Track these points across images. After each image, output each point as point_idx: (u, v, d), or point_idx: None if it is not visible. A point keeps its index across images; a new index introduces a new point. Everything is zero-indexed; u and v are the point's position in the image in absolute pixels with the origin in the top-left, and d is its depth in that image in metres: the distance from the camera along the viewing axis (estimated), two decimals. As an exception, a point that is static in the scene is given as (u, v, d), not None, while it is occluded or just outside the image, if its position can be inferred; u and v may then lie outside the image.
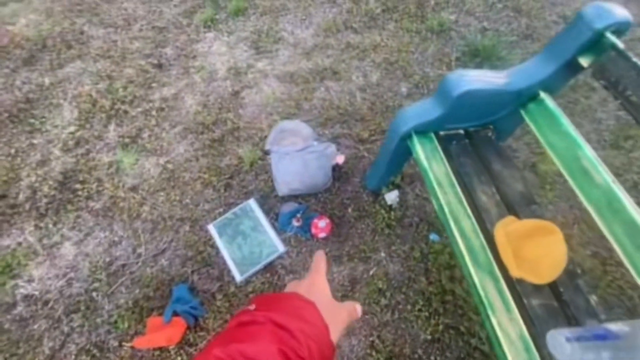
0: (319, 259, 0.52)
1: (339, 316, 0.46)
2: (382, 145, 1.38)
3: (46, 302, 1.30)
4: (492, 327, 0.90)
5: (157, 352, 1.21)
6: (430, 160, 1.17)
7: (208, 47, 2.01)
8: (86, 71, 1.86)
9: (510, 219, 1.07)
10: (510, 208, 1.12)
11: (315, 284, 0.48)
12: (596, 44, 0.98)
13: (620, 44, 0.94)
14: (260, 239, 1.41)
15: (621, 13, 0.95)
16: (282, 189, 1.45)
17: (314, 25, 2.13)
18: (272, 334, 0.37)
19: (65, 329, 1.26)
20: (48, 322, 1.27)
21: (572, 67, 1.06)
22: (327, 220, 1.41)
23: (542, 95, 1.14)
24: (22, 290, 1.31)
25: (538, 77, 1.09)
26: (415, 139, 1.21)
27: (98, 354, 1.21)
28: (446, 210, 1.07)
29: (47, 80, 1.82)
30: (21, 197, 1.50)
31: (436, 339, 1.24)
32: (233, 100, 1.81)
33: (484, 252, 1.01)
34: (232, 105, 1.79)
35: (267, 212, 1.48)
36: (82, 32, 2.01)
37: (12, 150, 1.60)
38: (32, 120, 1.69)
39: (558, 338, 0.85)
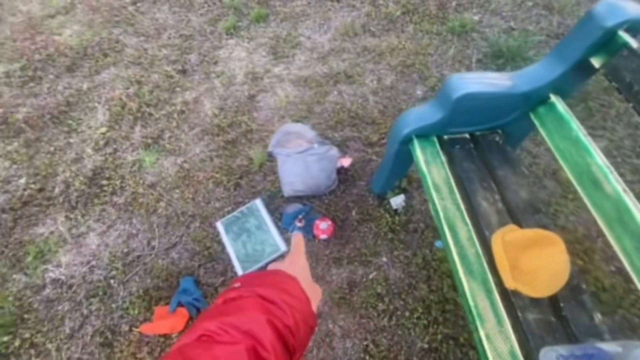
0: (299, 240, 0.56)
1: (317, 291, 0.50)
2: (386, 149, 1.37)
3: (70, 286, 1.43)
4: (480, 339, 0.87)
5: (161, 339, 1.29)
6: (430, 164, 1.14)
7: (229, 53, 2.10)
8: (119, 77, 2.02)
9: (511, 227, 1.02)
10: (513, 216, 1.07)
11: (296, 262, 0.52)
12: (608, 43, 0.91)
13: (633, 43, 0.87)
14: (264, 237, 1.45)
15: (635, 10, 0.88)
16: (287, 190, 1.49)
17: (332, 30, 2.16)
18: (259, 305, 0.39)
19: (85, 311, 1.38)
20: (71, 304, 1.39)
21: (583, 69, 0.99)
22: (329, 222, 1.43)
23: (553, 98, 1.08)
24: (51, 274, 1.46)
25: (546, 79, 1.04)
26: (415, 143, 1.19)
27: (110, 337, 1.31)
28: (441, 215, 1.04)
29: (85, 86, 2.00)
30: (56, 190, 1.67)
31: (433, 349, 1.20)
32: (249, 104, 1.88)
33: (479, 261, 0.97)
34: (248, 108, 1.86)
35: (272, 212, 1.52)
36: (117, 41, 2.18)
37: (52, 148, 1.78)
38: (70, 122, 1.87)
39: (549, 355, 0.80)
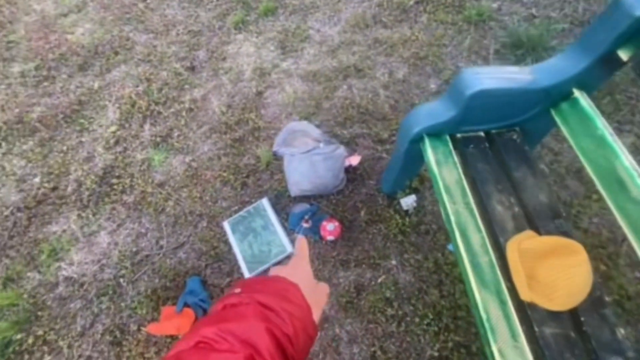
0: (302, 245, 0.55)
1: (320, 297, 0.49)
2: (395, 147, 1.31)
3: (82, 284, 1.45)
4: (492, 354, 0.82)
5: (168, 340, 1.30)
6: (441, 165, 1.08)
7: (237, 48, 2.07)
8: (129, 75, 2.03)
9: (528, 234, 0.96)
10: (531, 221, 1.00)
11: (298, 268, 0.51)
12: (637, 34, 0.83)
13: (669, 33, 0.79)
14: (270, 238, 1.43)
15: (672, -5, 0.79)
16: (294, 190, 1.45)
17: (342, 22, 2.09)
18: (258, 313, 0.39)
19: (95, 309, 1.40)
20: (82, 302, 1.42)
21: (610, 61, 0.91)
22: (337, 223, 1.39)
23: (577, 93, 1.00)
24: (63, 272, 1.48)
25: (568, 73, 0.96)
26: (427, 142, 1.13)
27: (119, 335, 1.33)
28: (453, 220, 0.99)
29: (96, 84, 2.01)
30: (69, 189, 1.69)
31: (444, 357, 1.16)
32: (256, 101, 1.85)
33: (492, 270, 0.91)
34: (255, 105, 1.83)
35: (279, 212, 1.50)
36: (128, 39, 2.18)
37: (64, 148, 1.81)
38: (82, 121, 1.89)
39: (567, 375, 0.75)
